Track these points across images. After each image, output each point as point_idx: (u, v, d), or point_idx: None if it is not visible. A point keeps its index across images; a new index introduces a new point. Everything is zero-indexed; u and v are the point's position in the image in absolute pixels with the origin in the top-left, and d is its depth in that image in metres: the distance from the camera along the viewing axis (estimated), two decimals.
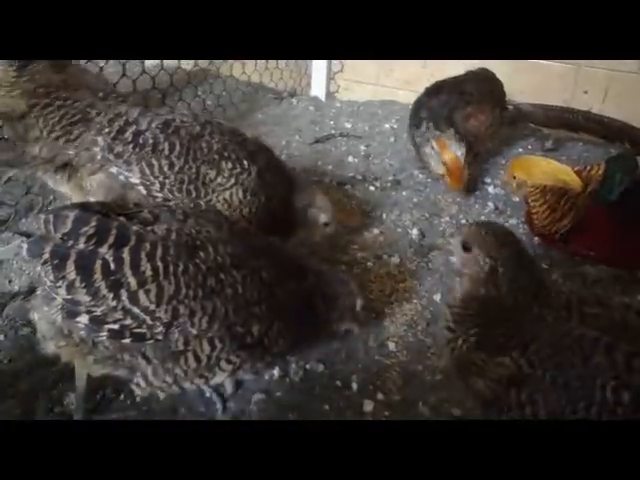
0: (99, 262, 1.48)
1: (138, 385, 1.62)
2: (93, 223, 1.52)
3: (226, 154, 2.14)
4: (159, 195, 2.10)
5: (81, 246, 1.49)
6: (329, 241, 2.39)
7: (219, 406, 1.88)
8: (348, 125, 3.61)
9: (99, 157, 2.13)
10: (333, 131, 3.51)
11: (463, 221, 2.70)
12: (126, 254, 1.50)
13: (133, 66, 2.99)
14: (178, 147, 2.10)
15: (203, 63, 3.87)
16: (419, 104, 2.97)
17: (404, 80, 3.90)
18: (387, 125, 3.59)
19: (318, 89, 4.11)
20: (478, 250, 1.50)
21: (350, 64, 4.09)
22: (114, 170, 2.12)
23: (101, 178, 2.15)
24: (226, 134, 2.19)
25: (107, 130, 2.13)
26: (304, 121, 3.72)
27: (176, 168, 2.09)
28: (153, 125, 2.12)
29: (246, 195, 2.14)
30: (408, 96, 3.45)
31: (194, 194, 2.10)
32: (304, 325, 1.76)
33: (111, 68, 2.93)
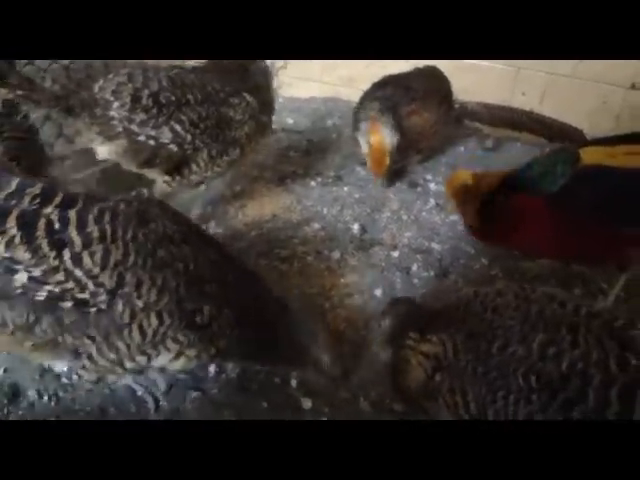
0: (43, 220, 1.39)
1: (84, 367, 1.53)
2: (39, 185, 1.44)
3: (230, 90, 2.23)
4: (189, 147, 2.14)
5: (25, 205, 1.40)
6: (266, 235, 2.35)
7: (151, 405, 1.80)
8: (290, 121, 3.56)
9: (119, 130, 2.08)
10: (275, 126, 3.45)
11: (404, 217, 2.68)
12: (73, 214, 1.41)
13: None
14: (199, 95, 2.12)
15: None
16: (365, 96, 2.97)
17: (348, 78, 3.87)
18: (330, 122, 3.56)
19: None
20: None
21: (294, 61, 4.03)
22: (142, 138, 2.08)
23: (123, 144, 2.11)
24: (210, 72, 2.27)
25: (117, 104, 2.05)
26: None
27: (203, 115, 2.13)
28: (164, 83, 2.09)
29: (257, 125, 2.30)
30: (351, 94, 3.43)
31: (221, 136, 2.19)
32: (259, 336, 1.69)
33: None
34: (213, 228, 2.54)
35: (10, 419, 1.74)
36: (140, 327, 1.47)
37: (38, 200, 1.42)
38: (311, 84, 3.99)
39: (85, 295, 1.42)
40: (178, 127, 2.08)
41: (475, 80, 3.53)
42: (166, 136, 2.09)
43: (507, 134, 3.35)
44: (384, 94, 2.88)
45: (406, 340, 1.54)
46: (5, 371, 1.85)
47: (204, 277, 1.54)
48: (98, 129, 2.09)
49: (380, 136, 2.74)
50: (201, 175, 2.23)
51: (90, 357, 1.50)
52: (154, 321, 1.47)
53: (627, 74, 3.33)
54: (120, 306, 1.44)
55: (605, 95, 3.42)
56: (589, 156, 1.99)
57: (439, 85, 3.09)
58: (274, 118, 3.53)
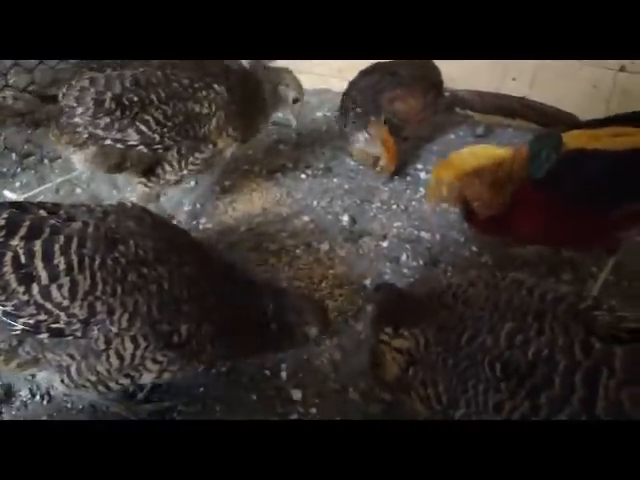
0: (9, 254, 1.40)
1: (63, 382, 1.54)
2: (5, 215, 1.45)
3: (196, 84, 2.16)
4: (160, 147, 2.11)
5: None
6: (256, 229, 2.36)
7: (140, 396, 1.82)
8: (279, 114, 3.54)
9: (85, 136, 2.07)
10: None
11: (394, 207, 2.68)
12: (38, 246, 1.41)
13: None
14: (163, 93, 2.09)
15: None
16: (350, 85, 2.95)
17: (337, 68, 3.86)
18: (319, 113, 3.54)
19: None
20: None
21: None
22: (108, 142, 2.07)
23: (92, 151, 2.11)
24: (180, 66, 2.21)
25: (81, 110, 2.05)
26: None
27: (169, 113, 2.09)
28: (127, 84, 2.07)
29: (228, 115, 2.23)
30: (341, 85, 3.41)
31: (191, 132, 2.15)
32: (244, 337, 1.69)
33: None
34: (203, 224, 2.54)
35: (3, 419, 1.76)
36: (117, 352, 1.48)
37: (4, 232, 1.43)
38: (301, 76, 3.98)
39: (60, 325, 1.44)
40: (144, 127, 2.07)
41: (465, 65, 3.50)
42: (133, 138, 2.07)
43: (498, 120, 3.33)
44: (368, 82, 2.87)
45: (381, 335, 1.56)
46: None
47: (180, 296, 1.53)
48: (67, 138, 2.09)
49: (387, 133, 2.75)
50: (177, 174, 2.21)
51: (69, 374, 1.52)
52: (129, 345, 1.48)
53: None
54: (95, 333, 1.45)
55: (595, 79, 3.41)
56: (572, 140, 1.98)
57: (427, 72, 3.06)
58: None
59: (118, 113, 2.05)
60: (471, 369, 1.35)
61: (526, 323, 1.34)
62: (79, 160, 2.15)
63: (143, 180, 2.22)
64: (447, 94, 3.16)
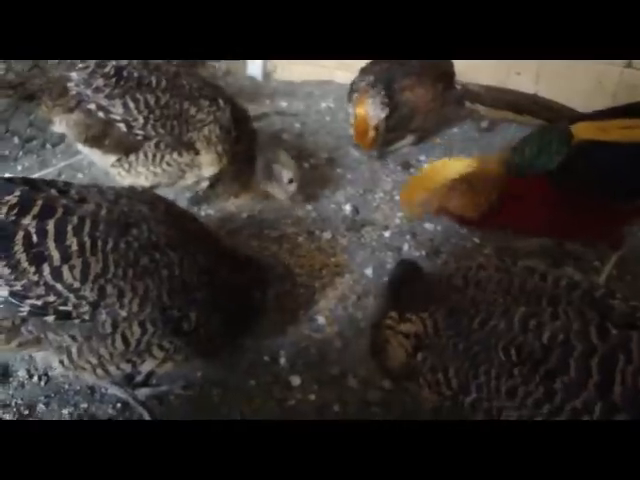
0: (21, 233, 1.38)
1: (62, 363, 1.52)
2: (17, 193, 1.43)
3: (204, 92, 2.16)
4: (140, 132, 2.07)
5: (2, 216, 1.39)
6: (258, 216, 2.35)
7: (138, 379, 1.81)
8: (284, 104, 3.54)
9: (73, 92, 2.05)
10: (268, 110, 3.44)
11: (397, 197, 2.67)
12: (51, 226, 1.39)
13: None
14: (164, 82, 2.08)
15: None
16: (362, 70, 2.94)
17: (342, 60, 3.85)
18: (323, 104, 3.54)
19: (255, 69, 4.01)
20: None
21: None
22: (92, 106, 2.05)
23: (78, 117, 2.08)
24: (198, 76, 2.26)
25: (82, 65, 2.04)
26: (239, 100, 3.62)
27: (162, 102, 2.06)
28: (135, 62, 2.07)
29: (222, 131, 2.18)
30: (345, 77, 3.40)
31: (177, 130, 2.10)
32: (240, 320, 1.70)
33: None
34: (204, 210, 2.53)
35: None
36: (123, 336, 1.47)
37: (16, 210, 1.40)
38: (306, 67, 3.98)
39: (68, 307, 1.42)
40: (132, 104, 2.03)
41: (470, 61, 3.50)
42: (117, 110, 2.04)
43: (502, 115, 3.31)
44: (380, 68, 2.85)
45: (386, 320, 1.53)
46: None
47: (190, 283, 1.52)
48: (59, 107, 2.07)
49: (365, 108, 2.74)
50: (149, 168, 2.14)
51: (70, 355, 1.50)
52: (137, 330, 1.47)
53: None
54: (103, 317, 1.43)
55: (601, 74, 3.39)
56: (581, 132, 1.96)
57: (437, 63, 3.03)
58: (267, 102, 3.58)
59: (113, 80, 2.04)
60: (483, 354, 1.32)
61: (540, 307, 1.31)
62: (59, 123, 2.12)
63: (116, 163, 2.17)
64: (458, 87, 3.13)
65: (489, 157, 2.12)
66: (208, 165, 2.22)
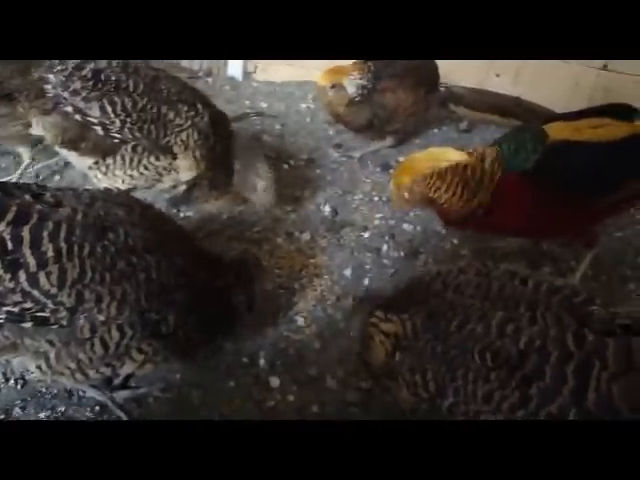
0: None
1: (39, 368, 1.51)
2: None
3: (183, 97, 2.15)
4: (117, 136, 2.05)
5: None
6: (237, 217, 2.34)
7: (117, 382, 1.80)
8: (264, 105, 3.54)
9: (50, 95, 2.04)
10: (249, 110, 3.44)
11: (376, 199, 2.69)
12: (26, 232, 1.37)
13: None
14: (142, 85, 2.07)
15: None
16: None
17: (322, 61, 3.85)
18: (303, 105, 3.54)
19: (235, 69, 4.00)
20: None
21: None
22: (69, 109, 2.04)
23: (55, 119, 2.07)
24: (178, 80, 2.24)
25: (60, 67, 2.03)
26: (219, 101, 3.53)
27: (139, 106, 2.05)
28: (113, 64, 2.06)
29: (200, 136, 2.16)
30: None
31: (154, 134, 2.08)
32: (218, 321, 1.70)
33: None
34: (183, 212, 2.52)
35: None
36: (102, 340, 1.46)
37: None
38: (286, 68, 3.98)
39: (45, 313, 1.41)
40: (109, 107, 2.02)
41: (449, 61, 3.52)
42: (94, 113, 2.03)
43: (481, 116, 3.34)
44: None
45: (372, 318, 1.55)
46: None
47: (168, 286, 1.52)
48: (35, 109, 2.07)
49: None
50: (126, 171, 2.12)
51: (48, 361, 1.49)
52: (115, 334, 1.46)
53: None
54: (81, 322, 1.43)
55: (577, 76, 3.44)
56: (555, 132, 1.99)
57: (420, 66, 3.01)
58: (247, 103, 3.58)
59: (91, 83, 2.03)
60: (460, 357, 1.33)
61: (518, 312, 1.32)
62: (36, 125, 2.11)
63: (93, 166, 2.15)
64: (442, 89, 3.14)
65: (485, 149, 2.07)
66: (186, 170, 2.20)
